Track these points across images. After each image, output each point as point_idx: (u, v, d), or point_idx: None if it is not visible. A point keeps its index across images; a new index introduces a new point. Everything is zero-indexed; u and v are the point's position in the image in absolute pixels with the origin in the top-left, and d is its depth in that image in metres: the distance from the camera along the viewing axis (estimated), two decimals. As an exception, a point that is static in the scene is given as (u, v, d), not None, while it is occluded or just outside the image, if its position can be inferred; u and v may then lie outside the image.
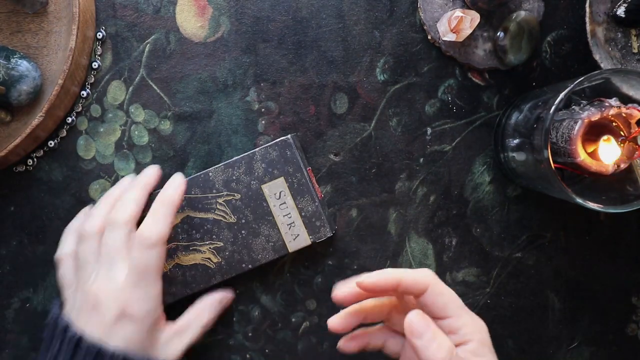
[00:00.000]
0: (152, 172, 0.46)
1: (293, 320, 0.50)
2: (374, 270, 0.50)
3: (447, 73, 0.50)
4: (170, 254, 0.47)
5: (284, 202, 0.46)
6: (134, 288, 0.40)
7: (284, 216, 0.46)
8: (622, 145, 0.43)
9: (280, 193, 0.46)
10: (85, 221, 0.44)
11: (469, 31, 0.46)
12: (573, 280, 0.51)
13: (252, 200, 0.46)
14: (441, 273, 0.51)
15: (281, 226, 0.46)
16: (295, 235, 0.46)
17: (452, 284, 0.51)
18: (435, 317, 0.38)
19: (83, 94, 0.49)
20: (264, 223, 0.46)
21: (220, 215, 0.46)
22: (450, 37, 0.47)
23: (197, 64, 0.50)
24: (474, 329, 0.38)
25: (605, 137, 0.43)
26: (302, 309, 0.50)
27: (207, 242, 0.46)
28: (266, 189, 0.46)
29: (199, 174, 0.47)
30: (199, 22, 0.50)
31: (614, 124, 0.44)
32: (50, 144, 0.49)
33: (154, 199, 0.43)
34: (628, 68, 0.49)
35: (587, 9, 0.48)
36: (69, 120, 0.49)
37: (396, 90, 0.50)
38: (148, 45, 0.50)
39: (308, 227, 0.47)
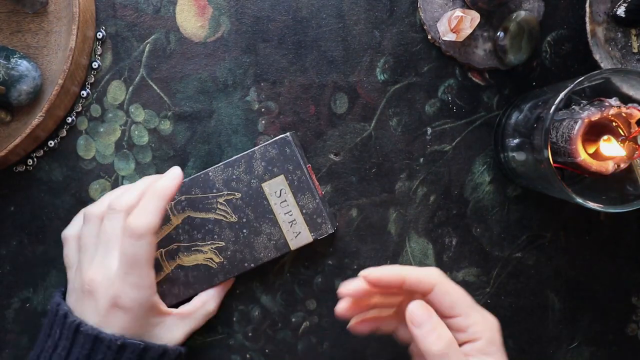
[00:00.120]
0: (172, 175, 0.44)
1: (293, 320, 0.50)
2: (374, 270, 0.50)
3: (447, 73, 0.50)
4: (171, 254, 0.46)
5: (285, 200, 0.46)
6: (124, 278, 0.41)
7: (285, 214, 0.46)
8: (622, 145, 0.43)
9: (280, 191, 0.46)
10: (93, 204, 0.45)
11: (469, 31, 0.46)
12: (573, 280, 0.51)
13: (252, 199, 0.46)
14: (441, 273, 0.51)
15: (282, 224, 0.46)
16: (297, 233, 0.46)
17: (452, 284, 0.51)
18: (444, 316, 0.38)
19: (83, 94, 0.49)
20: (265, 221, 0.46)
21: (221, 214, 0.46)
22: (450, 37, 0.47)
23: (197, 64, 0.50)
24: (483, 327, 0.38)
25: (605, 137, 0.43)
26: (302, 309, 0.50)
27: (208, 242, 0.46)
28: (266, 187, 0.46)
29: (199, 174, 0.47)
30: (199, 22, 0.50)
31: (614, 123, 0.44)
32: (50, 144, 0.49)
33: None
34: (628, 68, 0.49)
35: (587, 9, 0.48)
36: (69, 120, 0.49)
37: (396, 90, 0.50)
38: (148, 45, 0.50)
39: (309, 224, 0.47)
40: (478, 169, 0.51)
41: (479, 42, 0.49)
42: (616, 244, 0.51)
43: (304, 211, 0.46)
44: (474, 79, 0.51)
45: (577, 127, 0.42)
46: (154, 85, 0.50)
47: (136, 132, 0.50)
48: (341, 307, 0.41)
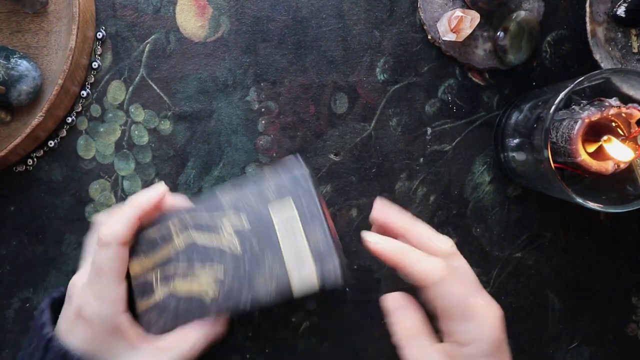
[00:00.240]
0: (154, 187, 0.42)
1: (293, 320, 0.50)
2: (375, 270, 0.50)
3: (447, 73, 0.50)
4: (167, 277, 0.41)
5: (294, 233, 0.40)
6: (90, 287, 0.39)
7: (292, 250, 0.39)
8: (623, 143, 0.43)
9: (289, 219, 0.40)
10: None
11: (469, 31, 0.46)
12: (573, 280, 0.51)
13: (260, 228, 0.40)
14: (441, 273, 0.51)
15: (288, 261, 0.39)
16: (303, 277, 0.39)
17: (452, 284, 0.51)
18: (436, 314, 0.37)
19: (83, 94, 0.49)
20: (269, 255, 0.40)
21: (226, 244, 0.41)
22: (450, 37, 0.47)
23: (197, 64, 0.50)
24: (475, 337, 0.35)
25: (605, 137, 0.43)
26: (302, 309, 0.50)
27: (207, 271, 0.41)
28: (274, 211, 0.40)
29: (205, 193, 0.45)
30: (199, 22, 0.50)
31: (614, 123, 0.44)
32: (50, 144, 0.49)
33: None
34: (628, 68, 0.49)
35: (587, 9, 0.48)
36: (69, 120, 0.49)
37: (396, 90, 0.50)
38: (148, 45, 0.50)
39: (317, 265, 0.39)
40: (478, 169, 0.51)
41: (479, 42, 0.49)
42: (616, 244, 0.51)
43: (313, 248, 0.39)
44: (474, 79, 0.51)
45: (577, 127, 0.42)
46: (154, 85, 0.50)
47: (136, 132, 0.50)
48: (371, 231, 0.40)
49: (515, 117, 0.47)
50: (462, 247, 0.51)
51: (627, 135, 0.43)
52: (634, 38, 0.49)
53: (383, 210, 0.40)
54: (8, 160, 0.47)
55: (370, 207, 0.50)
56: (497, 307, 0.37)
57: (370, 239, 0.38)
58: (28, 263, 0.49)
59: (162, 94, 0.50)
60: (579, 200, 0.40)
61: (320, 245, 0.39)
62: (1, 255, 0.49)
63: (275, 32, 0.50)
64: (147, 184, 0.50)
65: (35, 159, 0.49)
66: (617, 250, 0.51)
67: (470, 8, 0.48)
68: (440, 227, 0.51)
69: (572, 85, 0.40)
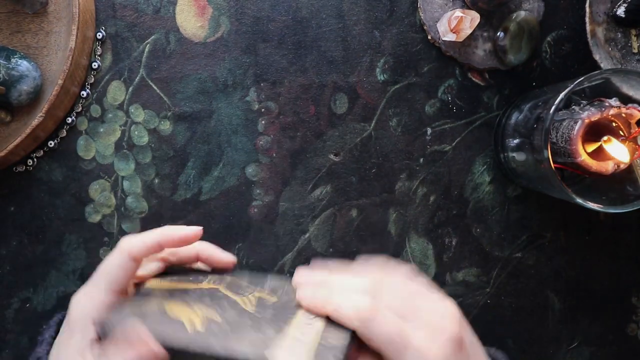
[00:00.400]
0: (191, 227, 0.39)
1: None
2: (374, 270, 0.50)
3: (447, 73, 0.50)
4: (165, 292, 0.39)
5: (305, 334, 0.34)
6: (86, 284, 0.37)
7: (298, 334, 0.34)
8: (622, 144, 0.43)
9: (310, 326, 0.35)
10: None
11: (469, 31, 0.46)
12: (573, 280, 0.51)
13: (281, 310, 0.36)
14: (441, 273, 0.51)
15: (282, 346, 0.33)
16: None
17: (452, 284, 0.51)
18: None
19: (83, 94, 0.49)
20: (271, 330, 0.35)
21: (242, 302, 0.37)
22: (450, 37, 0.47)
23: (197, 64, 0.50)
24: None
25: (605, 137, 0.43)
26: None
27: (209, 310, 0.37)
28: (302, 314, 0.36)
29: (256, 273, 0.41)
30: (199, 22, 0.50)
31: (614, 124, 0.44)
32: (50, 144, 0.49)
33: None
34: (628, 68, 0.49)
35: (587, 9, 0.48)
36: (69, 120, 0.49)
37: (396, 90, 0.50)
38: (148, 45, 0.50)
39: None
40: (478, 169, 0.51)
41: (479, 42, 0.49)
42: (616, 244, 0.51)
43: (321, 343, 0.33)
44: (474, 79, 0.51)
45: (577, 128, 0.42)
46: (153, 86, 0.50)
47: (136, 132, 0.50)
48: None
49: (515, 117, 0.47)
50: (462, 247, 0.51)
51: (627, 135, 0.43)
52: (633, 38, 0.49)
53: (301, 274, 0.37)
54: (8, 160, 0.47)
55: (370, 207, 0.50)
56: (447, 308, 0.33)
57: (300, 293, 0.35)
58: (28, 263, 0.49)
59: (162, 94, 0.50)
60: (579, 200, 0.40)
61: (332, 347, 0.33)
62: (1, 255, 0.49)
63: (275, 32, 0.50)
64: (147, 184, 0.50)
65: (35, 159, 0.49)
66: (617, 250, 0.51)
67: (470, 8, 0.48)
68: (440, 227, 0.51)
69: (572, 86, 0.40)
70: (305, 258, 0.50)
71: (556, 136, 0.44)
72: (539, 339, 0.51)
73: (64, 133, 0.49)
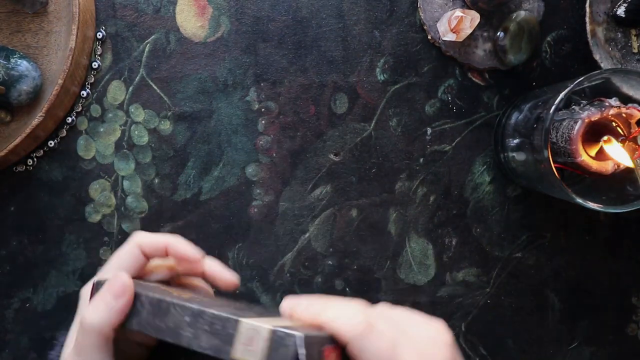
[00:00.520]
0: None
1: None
2: (375, 270, 0.50)
3: (447, 73, 0.50)
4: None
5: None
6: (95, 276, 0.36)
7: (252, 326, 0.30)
8: (622, 145, 0.43)
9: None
10: None
11: (469, 31, 0.46)
12: (573, 280, 0.51)
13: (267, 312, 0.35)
14: (441, 273, 0.51)
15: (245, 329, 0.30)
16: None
17: (452, 284, 0.51)
18: None
19: (83, 94, 0.49)
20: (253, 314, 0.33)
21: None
22: (450, 37, 0.47)
23: (197, 64, 0.50)
24: None
25: (605, 137, 0.43)
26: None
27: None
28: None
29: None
30: (199, 22, 0.50)
31: (614, 124, 0.44)
32: (50, 144, 0.49)
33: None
34: (628, 68, 0.49)
35: (587, 9, 0.48)
36: (69, 120, 0.49)
37: (396, 90, 0.50)
38: (148, 45, 0.50)
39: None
40: (478, 169, 0.51)
41: (479, 42, 0.49)
42: (616, 244, 0.51)
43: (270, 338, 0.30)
44: (474, 79, 0.51)
45: (577, 128, 0.42)
46: (154, 85, 0.50)
47: (136, 132, 0.50)
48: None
49: (515, 117, 0.47)
50: (462, 247, 0.51)
51: (627, 135, 0.43)
52: (633, 38, 0.49)
53: (290, 303, 0.35)
54: (8, 160, 0.47)
55: (370, 207, 0.50)
56: (439, 334, 0.33)
57: (284, 304, 0.34)
58: (28, 263, 0.49)
59: (162, 94, 0.50)
60: (579, 200, 0.40)
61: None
62: (1, 255, 0.49)
63: (275, 32, 0.50)
64: (147, 184, 0.50)
65: (35, 159, 0.49)
66: (617, 250, 0.51)
67: (470, 8, 0.48)
68: (440, 227, 0.51)
69: (572, 85, 0.40)
70: (305, 258, 0.50)
71: (556, 136, 0.44)
72: (539, 339, 0.51)
73: (64, 133, 0.49)
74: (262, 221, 0.50)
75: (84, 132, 0.50)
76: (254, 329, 0.30)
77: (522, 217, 0.51)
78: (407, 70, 0.50)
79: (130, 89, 0.50)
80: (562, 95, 0.40)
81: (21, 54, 0.46)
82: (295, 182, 0.50)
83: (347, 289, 0.50)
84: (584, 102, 0.46)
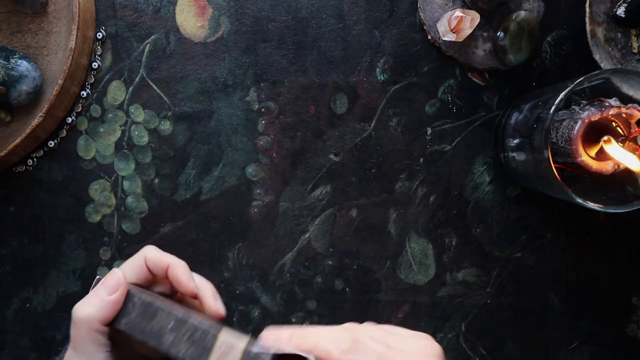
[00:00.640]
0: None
1: (293, 320, 0.50)
2: (375, 270, 0.50)
3: (447, 73, 0.50)
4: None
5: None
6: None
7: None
8: (622, 145, 0.43)
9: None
10: None
11: (469, 31, 0.46)
12: (573, 280, 0.51)
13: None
14: (441, 273, 0.51)
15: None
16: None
17: (452, 284, 0.51)
18: None
19: (83, 94, 0.49)
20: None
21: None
22: (450, 37, 0.47)
23: (197, 64, 0.50)
24: None
25: (605, 137, 0.42)
26: (302, 309, 0.50)
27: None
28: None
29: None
30: (199, 22, 0.50)
31: (614, 124, 0.44)
32: (50, 144, 0.49)
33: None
34: (628, 68, 0.49)
35: (587, 9, 0.48)
36: (69, 120, 0.49)
37: (396, 90, 0.50)
38: (148, 45, 0.50)
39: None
40: (478, 169, 0.51)
41: (479, 42, 0.49)
42: (616, 244, 0.51)
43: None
44: (474, 79, 0.51)
45: (577, 128, 0.42)
46: (154, 86, 0.50)
47: (136, 132, 0.50)
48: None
49: (515, 117, 0.47)
50: (462, 247, 0.51)
51: (627, 135, 0.43)
52: (633, 38, 0.49)
53: (272, 335, 0.34)
54: (8, 160, 0.47)
55: (370, 207, 0.50)
56: (428, 347, 0.33)
57: (266, 334, 0.33)
58: (28, 263, 0.49)
59: (162, 94, 0.50)
60: (579, 200, 0.40)
61: None
62: (1, 255, 0.49)
63: (275, 32, 0.50)
64: (147, 184, 0.50)
65: (35, 159, 0.49)
66: (617, 250, 0.51)
67: (470, 8, 0.48)
68: (440, 227, 0.51)
69: (572, 86, 0.40)
70: (305, 258, 0.50)
71: (556, 136, 0.44)
72: (539, 339, 0.51)
73: (64, 133, 0.49)
74: (262, 221, 0.50)
75: (84, 132, 0.50)
76: (229, 345, 0.32)
77: (522, 217, 0.51)
78: (407, 70, 0.50)
79: (130, 89, 0.50)
80: (562, 95, 0.40)
81: (21, 54, 0.46)
82: (295, 182, 0.50)
83: (347, 289, 0.50)
84: (584, 102, 0.45)
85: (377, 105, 0.50)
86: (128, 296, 0.34)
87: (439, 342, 0.37)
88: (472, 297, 0.51)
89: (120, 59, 0.49)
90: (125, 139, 0.50)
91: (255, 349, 0.31)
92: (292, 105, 0.50)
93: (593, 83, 0.44)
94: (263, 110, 0.50)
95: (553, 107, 0.40)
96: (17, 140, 0.45)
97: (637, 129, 0.43)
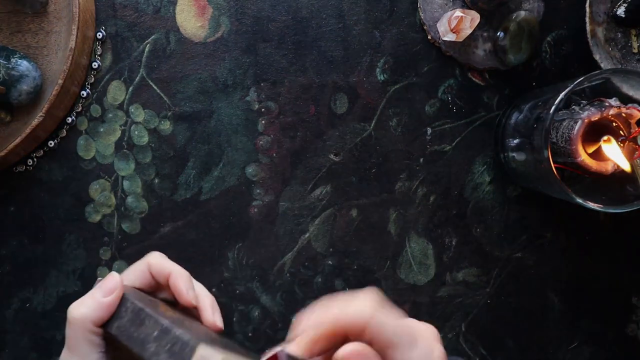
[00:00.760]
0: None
1: (293, 320, 0.50)
2: (375, 270, 0.50)
3: (447, 73, 0.50)
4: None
5: None
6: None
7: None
8: (622, 145, 0.43)
9: None
10: None
11: (469, 31, 0.46)
12: (573, 280, 0.51)
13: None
14: (441, 273, 0.51)
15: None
16: None
17: (452, 284, 0.51)
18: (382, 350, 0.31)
19: (83, 94, 0.49)
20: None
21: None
22: (450, 37, 0.47)
23: (197, 64, 0.50)
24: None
25: (605, 137, 0.43)
26: (302, 309, 0.50)
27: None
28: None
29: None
30: (199, 22, 0.50)
31: (614, 124, 0.44)
32: (50, 144, 0.49)
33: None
34: (628, 68, 0.49)
35: (587, 9, 0.48)
36: (69, 120, 0.49)
37: (396, 90, 0.50)
38: (148, 45, 0.50)
39: None
40: (478, 169, 0.51)
41: (479, 42, 0.49)
42: (616, 244, 0.51)
43: None
44: (474, 79, 0.51)
45: (577, 128, 0.42)
46: (154, 86, 0.50)
47: (136, 132, 0.50)
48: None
49: (515, 117, 0.47)
50: (462, 247, 0.51)
51: (627, 135, 0.43)
52: (633, 38, 0.49)
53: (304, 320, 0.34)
54: (8, 160, 0.47)
55: (370, 207, 0.50)
56: (430, 325, 0.33)
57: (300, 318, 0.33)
58: (28, 263, 0.49)
59: (162, 94, 0.50)
60: (579, 200, 0.40)
61: None
62: (1, 255, 0.49)
63: (275, 32, 0.50)
64: (147, 184, 0.50)
65: (35, 159, 0.49)
66: (617, 250, 0.51)
67: (470, 8, 0.48)
68: (440, 227, 0.51)
69: (572, 85, 0.40)
70: (305, 258, 0.50)
71: (556, 136, 0.44)
72: (539, 339, 0.51)
73: (64, 133, 0.49)
74: (262, 221, 0.50)
75: (84, 132, 0.50)
76: (205, 359, 0.31)
77: (522, 217, 0.51)
78: (407, 70, 0.50)
79: (130, 89, 0.50)
80: (562, 95, 0.40)
81: (21, 54, 0.46)
82: (295, 182, 0.50)
83: (347, 289, 0.50)
84: (584, 102, 0.45)
85: (377, 105, 0.50)
86: (122, 300, 0.34)
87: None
88: (472, 297, 0.51)
89: (120, 58, 0.49)
90: (125, 138, 0.50)
91: None
92: (292, 105, 0.50)
93: (593, 83, 0.44)
94: (263, 110, 0.50)
95: (553, 107, 0.40)
96: (17, 140, 0.45)
97: (637, 129, 0.43)
